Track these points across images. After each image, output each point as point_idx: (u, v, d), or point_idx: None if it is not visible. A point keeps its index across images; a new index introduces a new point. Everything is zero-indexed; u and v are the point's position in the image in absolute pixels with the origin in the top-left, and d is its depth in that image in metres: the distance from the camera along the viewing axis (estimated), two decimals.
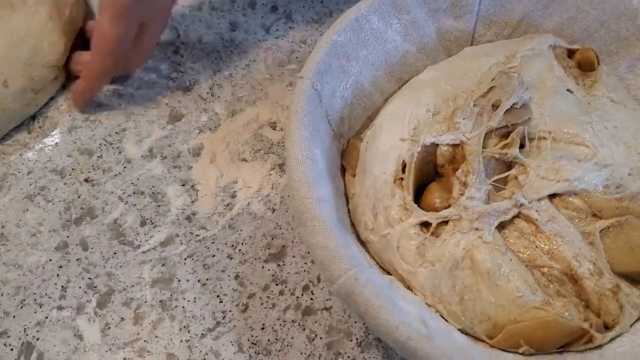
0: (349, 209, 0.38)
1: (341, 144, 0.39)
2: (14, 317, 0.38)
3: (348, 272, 0.30)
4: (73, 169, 0.44)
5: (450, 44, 0.43)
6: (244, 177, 0.44)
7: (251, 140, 0.45)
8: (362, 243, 0.37)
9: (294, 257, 0.41)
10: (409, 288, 0.34)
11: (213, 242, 0.41)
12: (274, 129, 0.46)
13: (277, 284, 0.40)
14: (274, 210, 0.42)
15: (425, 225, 0.35)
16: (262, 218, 0.42)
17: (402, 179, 0.36)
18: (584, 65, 0.40)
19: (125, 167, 0.44)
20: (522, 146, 0.37)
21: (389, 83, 0.41)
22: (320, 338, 0.38)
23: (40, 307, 0.39)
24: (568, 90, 0.38)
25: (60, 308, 0.39)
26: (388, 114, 0.39)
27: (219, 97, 0.47)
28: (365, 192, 0.36)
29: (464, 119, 0.37)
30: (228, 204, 0.43)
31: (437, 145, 0.37)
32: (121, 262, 0.40)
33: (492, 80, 0.38)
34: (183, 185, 0.43)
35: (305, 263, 0.40)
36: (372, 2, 0.39)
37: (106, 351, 0.37)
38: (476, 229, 0.34)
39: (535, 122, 0.37)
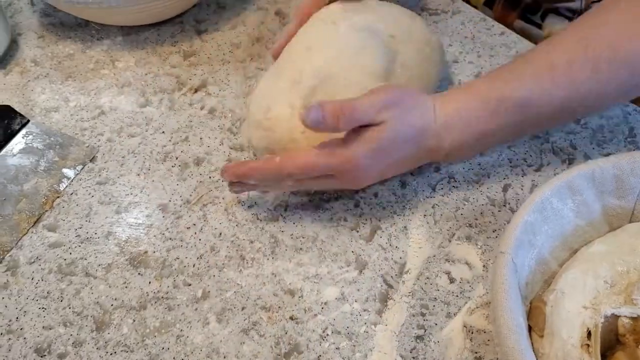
0: None
1: (524, 305, 0.46)
2: None
3: None
4: (279, 307, 0.51)
5: (613, 218, 0.49)
6: None
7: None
8: None
9: None
10: None
11: None
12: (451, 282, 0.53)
13: None
14: None
15: None
16: None
17: (588, 345, 0.42)
18: None
19: (322, 308, 0.51)
20: None
21: (562, 252, 0.48)
22: None
23: None
24: None
25: None
26: (568, 281, 0.45)
27: (396, 247, 0.55)
28: (555, 353, 0.42)
29: None
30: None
31: (618, 316, 0.43)
32: None
33: None
34: (375, 325, 0.50)
35: None
36: (553, 187, 0.47)
37: None
38: None
39: None
